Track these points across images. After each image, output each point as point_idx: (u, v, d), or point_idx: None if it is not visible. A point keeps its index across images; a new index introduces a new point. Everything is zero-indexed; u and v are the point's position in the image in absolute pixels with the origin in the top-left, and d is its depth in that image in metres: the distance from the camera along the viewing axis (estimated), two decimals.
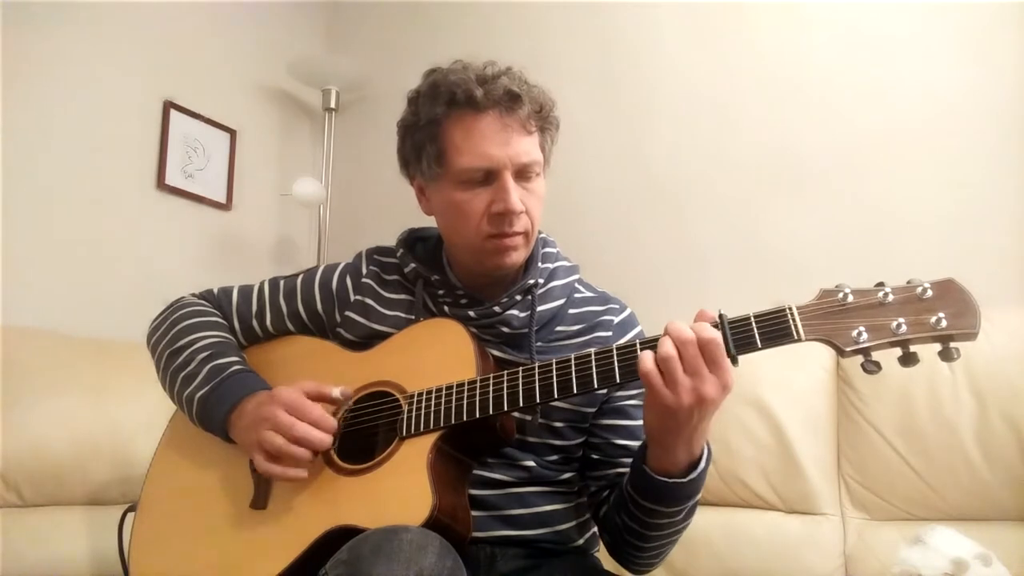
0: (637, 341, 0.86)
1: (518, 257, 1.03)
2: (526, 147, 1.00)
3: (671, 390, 0.79)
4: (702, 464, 0.89)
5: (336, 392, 0.97)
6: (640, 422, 0.99)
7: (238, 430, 0.99)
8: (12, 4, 1.83)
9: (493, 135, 0.98)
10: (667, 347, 0.80)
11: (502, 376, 0.92)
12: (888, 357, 0.78)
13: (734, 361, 0.81)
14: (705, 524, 1.48)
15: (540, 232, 1.12)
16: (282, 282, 1.18)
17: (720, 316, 0.83)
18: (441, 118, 1.00)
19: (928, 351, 0.77)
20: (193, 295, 1.20)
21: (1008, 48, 1.68)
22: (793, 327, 0.79)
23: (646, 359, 0.81)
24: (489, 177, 0.99)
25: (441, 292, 1.08)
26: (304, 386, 0.97)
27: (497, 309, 1.04)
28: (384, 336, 1.07)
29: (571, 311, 1.10)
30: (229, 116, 2.40)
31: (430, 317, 1.07)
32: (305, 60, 2.44)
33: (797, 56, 1.93)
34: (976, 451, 1.38)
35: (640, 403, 1.08)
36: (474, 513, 0.93)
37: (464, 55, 1.05)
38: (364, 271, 1.14)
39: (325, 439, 0.93)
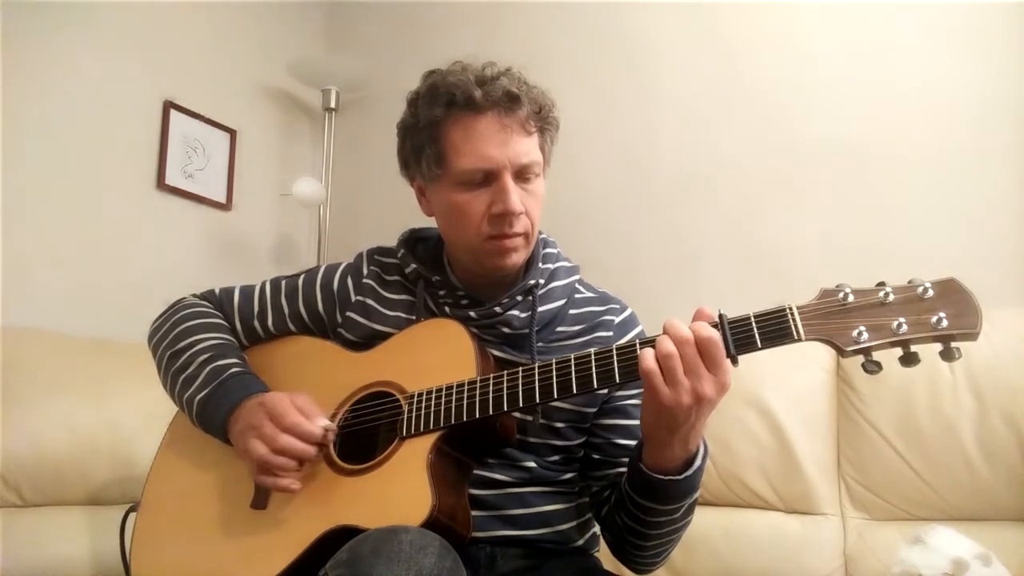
0: (637, 341, 0.86)
1: (518, 258, 1.03)
2: (525, 148, 1.00)
3: (671, 389, 0.79)
4: (698, 461, 0.89)
5: (321, 422, 0.94)
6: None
7: (235, 433, 0.99)
8: (12, 4, 1.82)
9: (492, 136, 0.97)
10: (667, 345, 0.80)
11: (502, 376, 0.92)
12: (889, 357, 0.78)
13: (734, 361, 0.81)
14: (705, 524, 1.48)
15: (541, 233, 1.11)
16: (283, 282, 1.18)
17: (720, 316, 0.82)
18: (440, 119, 1.00)
19: (929, 351, 0.76)
20: (194, 296, 1.20)
21: (1008, 48, 1.68)
22: (793, 327, 0.79)
23: (647, 357, 0.81)
24: (489, 178, 0.99)
25: (442, 292, 1.08)
26: (297, 400, 0.96)
27: (498, 310, 1.04)
28: (385, 336, 1.07)
29: (572, 311, 1.10)
30: (229, 116, 2.40)
31: (431, 317, 1.07)
32: (305, 60, 2.44)
33: (797, 56, 1.93)
34: (976, 451, 1.38)
35: (640, 402, 1.08)
36: (474, 513, 0.93)
37: (464, 55, 1.04)
38: (365, 271, 1.14)
39: (308, 450, 0.93)
